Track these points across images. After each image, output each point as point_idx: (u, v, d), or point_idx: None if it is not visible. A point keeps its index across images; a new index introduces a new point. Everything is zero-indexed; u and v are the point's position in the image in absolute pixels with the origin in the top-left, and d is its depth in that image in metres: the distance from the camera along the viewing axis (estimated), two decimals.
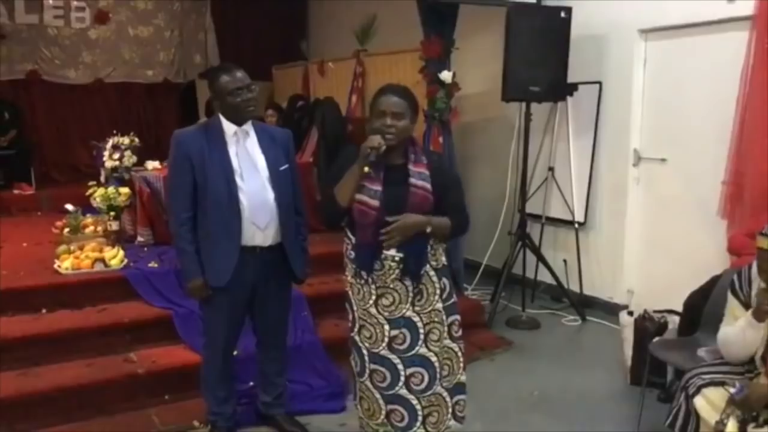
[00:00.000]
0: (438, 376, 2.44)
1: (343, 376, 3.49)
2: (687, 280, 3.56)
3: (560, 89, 4.72)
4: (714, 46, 4.15)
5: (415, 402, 2.42)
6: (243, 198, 2.74)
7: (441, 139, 4.70)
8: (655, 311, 3.70)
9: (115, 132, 5.37)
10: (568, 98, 4.92)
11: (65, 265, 4.04)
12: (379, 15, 6.39)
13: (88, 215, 4.81)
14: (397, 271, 2.37)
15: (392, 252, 2.35)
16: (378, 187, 2.34)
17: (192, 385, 3.19)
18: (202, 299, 2.85)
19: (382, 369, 2.42)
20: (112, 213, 4.65)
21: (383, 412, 2.46)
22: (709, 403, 2.44)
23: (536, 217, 5.23)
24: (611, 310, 4.75)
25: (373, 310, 2.42)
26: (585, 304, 4.96)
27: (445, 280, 2.49)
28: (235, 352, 3.14)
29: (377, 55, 6.19)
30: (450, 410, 2.51)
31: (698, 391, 2.47)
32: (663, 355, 3.14)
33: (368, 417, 2.53)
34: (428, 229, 2.34)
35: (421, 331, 2.41)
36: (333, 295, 3.60)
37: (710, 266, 3.66)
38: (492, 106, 5.21)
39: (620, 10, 4.64)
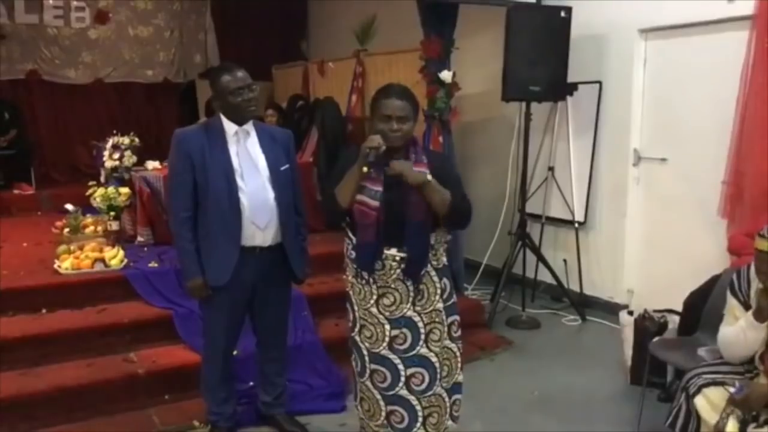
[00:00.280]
0: (438, 376, 2.44)
1: (343, 376, 3.49)
2: (687, 280, 3.56)
3: (560, 89, 4.72)
4: (714, 46, 4.15)
5: (415, 403, 2.42)
6: (243, 198, 2.74)
7: (441, 139, 4.70)
8: (655, 311, 3.70)
9: (115, 132, 5.37)
10: (568, 98, 4.93)
11: (65, 265, 4.04)
12: (379, 15, 6.39)
13: (88, 215, 4.81)
14: (398, 270, 2.37)
15: (393, 251, 2.35)
16: (378, 188, 2.34)
17: (192, 385, 3.19)
18: (202, 299, 2.86)
19: (383, 369, 2.42)
20: (112, 213, 4.65)
21: (383, 413, 2.46)
22: (710, 403, 2.44)
23: (536, 217, 5.23)
24: (611, 309, 4.75)
25: (374, 310, 2.42)
26: (585, 304, 4.96)
27: (445, 280, 2.49)
28: (235, 352, 3.14)
29: (377, 55, 6.18)
30: (448, 410, 2.51)
31: (699, 391, 2.47)
32: (663, 355, 3.15)
33: (369, 418, 2.53)
34: (429, 177, 2.30)
35: (422, 331, 2.41)
36: (333, 295, 3.60)
37: (710, 266, 3.66)
38: (492, 106, 5.21)
39: (620, 10, 4.64)
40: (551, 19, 4.59)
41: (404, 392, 2.42)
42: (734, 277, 2.59)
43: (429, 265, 2.42)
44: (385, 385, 2.43)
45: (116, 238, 4.57)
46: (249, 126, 2.83)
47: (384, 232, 2.34)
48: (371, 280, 2.41)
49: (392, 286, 2.39)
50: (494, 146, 5.58)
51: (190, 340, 3.54)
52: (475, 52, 5.32)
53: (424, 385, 2.42)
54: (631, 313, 3.80)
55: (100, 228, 4.63)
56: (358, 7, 6.82)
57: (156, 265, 4.18)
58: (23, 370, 3.33)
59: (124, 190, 4.74)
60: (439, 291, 2.45)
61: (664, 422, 2.63)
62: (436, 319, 2.44)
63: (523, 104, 4.81)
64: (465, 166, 5.62)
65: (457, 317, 2.54)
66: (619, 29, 4.68)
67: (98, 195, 4.66)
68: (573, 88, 4.82)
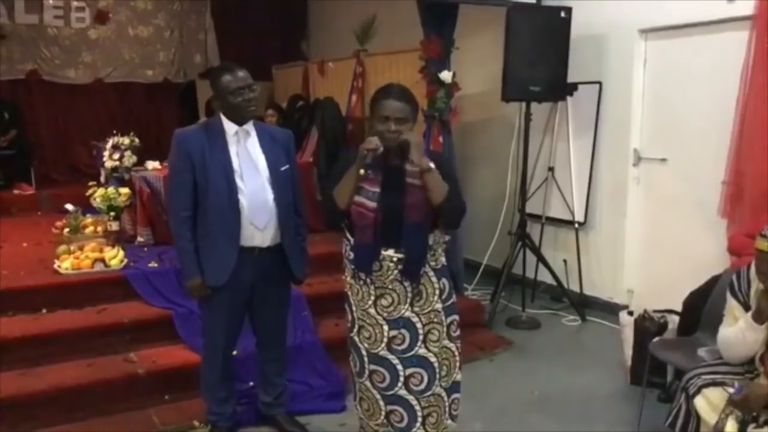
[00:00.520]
0: (437, 376, 2.44)
1: (343, 376, 3.49)
2: (687, 280, 3.56)
3: (560, 89, 4.72)
4: (714, 46, 4.15)
5: (414, 403, 2.42)
6: (242, 198, 2.74)
7: (441, 139, 4.70)
8: (655, 311, 3.70)
9: (115, 132, 5.37)
10: (568, 98, 4.92)
11: (65, 265, 4.04)
12: (379, 15, 6.39)
13: (88, 215, 4.81)
14: (395, 271, 2.37)
15: (391, 252, 2.35)
16: (376, 189, 2.34)
17: (192, 385, 3.19)
18: (201, 298, 2.86)
19: (381, 369, 2.42)
20: (112, 213, 4.65)
21: (383, 413, 2.46)
22: (709, 403, 2.44)
23: (536, 217, 5.23)
24: (611, 310, 4.75)
25: (372, 311, 2.42)
26: (585, 304, 4.95)
27: (444, 280, 2.48)
28: (235, 352, 3.14)
29: (377, 55, 6.18)
30: (447, 410, 2.51)
31: (698, 391, 2.47)
32: (663, 355, 3.15)
33: (368, 417, 2.53)
34: (431, 164, 2.31)
35: (420, 331, 2.41)
36: (333, 295, 3.60)
37: (710, 266, 3.66)
38: (492, 106, 5.21)
39: (620, 10, 4.64)
40: (551, 19, 4.59)
41: (403, 392, 2.42)
42: (734, 277, 2.59)
43: (427, 266, 2.42)
44: (384, 385, 2.43)
45: (116, 238, 4.56)
46: (249, 126, 2.83)
47: (381, 233, 2.34)
48: (369, 281, 2.41)
49: (390, 286, 2.39)
50: (494, 146, 5.58)
51: (190, 340, 3.54)
52: (475, 52, 5.31)
53: (423, 385, 2.42)
54: (631, 313, 3.80)
55: (100, 228, 4.63)
56: (358, 7, 6.82)
57: (156, 265, 4.18)
58: (23, 370, 3.33)
59: (124, 190, 4.74)
60: (437, 291, 2.45)
61: (664, 422, 2.63)
62: (435, 320, 2.44)
63: (523, 104, 4.81)
64: (465, 166, 5.62)
65: (456, 317, 2.54)
66: (619, 29, 4.68)
67: (98, 195, 4.66)
68: (573, 88, 4.82)
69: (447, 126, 4.74)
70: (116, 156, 5.08)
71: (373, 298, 2.42)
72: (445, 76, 4.59)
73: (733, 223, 3.93)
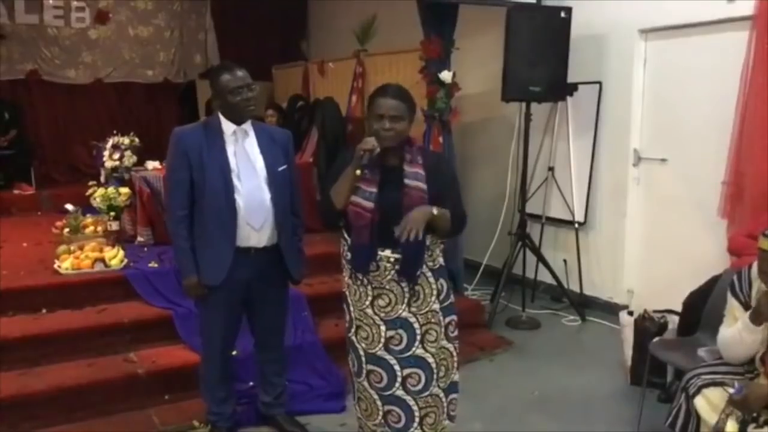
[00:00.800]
0: (435, 377, 2.44)
1: (343, 376, 3.49)
2: (687, 280, 3.56)
3: (560, 89, 4.72)
4: (714, 46, 4.15)
5: (412, 403, 2.42)
6: (239, 198, 2.73)
7: (441, 139, 4.70)
8: (655, 311, 3.70)
9: (115, 132, 5.38)
10: (568, 98, 4.92)
11: (65, 265, 4.04)
12: (379, 15, 6.39)
13: (88, 215, 4.81)
14: (392, 272, 2.36)
15: (388, 252, 2.35)
16: (373, 189, 2.34)
17: (192, 385, 3.19)
18: (198, 298, 2.85)
19: (379, 369, 2.42)
20: (112, 213, 4.66)
21: (381, 413, 2.46)
22: (709, 403, 2.44)
23: (536, 217, 5.23)
24: (611, 310, 4.75)
25: (369, 311, 2.42)
26: (585, 304, 4.95)
27: (442, 280, 2.48)
28: (234, 352, 3.14)
29: (377, 55, 6.18)
30: (445, 410, 2.51)
31: (698, 391, 2.47)
32: (663, 355, 3.14)
33: (366, 417, 2.53)
34: (435, 211, 2.30)
35: (418, 332, 2.41)
36: (333, 295, 3.59)
37: (710, 266, 3.66)
38: (492, 106, 5.21)
39: (620, 10, 4.64)
40: (551, 19, 4.59)
41: (401, 392, 2.41)
42: (735, 278, 2.59)
43: (425, 266, 2.41)
44: (381, 385, 2.43)
45: (116, 238, 4.57)
46: (248, 126, 2.82)
47: (378, 234, 2.33)
48: (366, 281, 2.41)
49: (387, 287, 2.39)
50: (494, 146, 5.58)
51: (190, 340, 3.54)
52: (475, 53, 5.32)
53: (420, 386, 2.42)
54: (631, 313, 3.80)
55: (100, 228, 4.63)
56: (358, 7, 6.82)
57: (156, 265, 4.18)
58: (23, 370, 3.33)
59: (124, 190, 4.74)
60: (435, 292, 2.44)
61: (664, 422, 2.63)
62: (433, 320, 2.43)
63: (523, 104, 4.80)
64: (465, 166, 5.62)
65: (454, 317, 2.53)
66: (619, 29, 4.68)
67: (98, 195, 4.67)
68: (573, 88, 4.82)
69: (447, 126, 4.74)
70: (116, 156, 5.09)
71: (370, 298, 2.41)
72: (445, 76, 4.59)
73: (733, 223, 3.93)
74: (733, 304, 2.56)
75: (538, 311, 4.98)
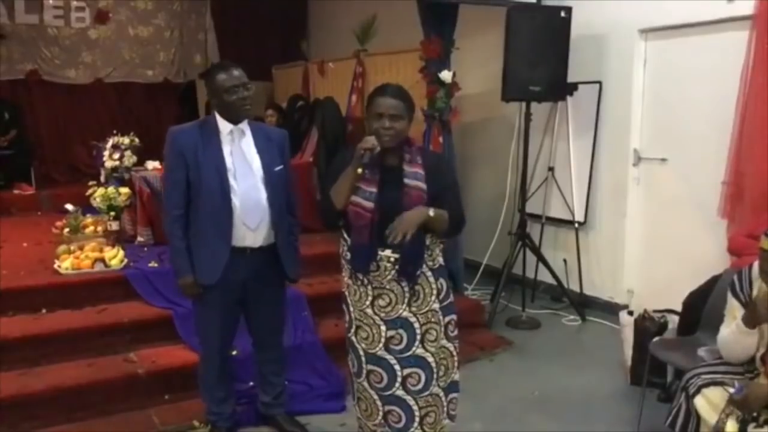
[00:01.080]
0: (435, 376, 2.44)
1: (343, 376, 3.49)
2: (687, 280, 3.56)
3: (560, 89, 4.72)
4: (714, 46, 4.15)
5: (412, 403, 2.42)
6: (235, 198, 2.72)
7: (441, 139, 4.70)
8: (655, 311, 3.70)
9: (115, 132, 5.37)
10: (568, 98, 4.93)
11: (65, 265, 4.04)
12: (379, 15, 6.39)
13: (88, 215, 4.81)
14: (392, 271, 2.36)
15: (388, 252, 2.35)
16: (373, 189, 2.34)
17: (192, 385, 3.19)
18: (194, 297, 2.85)
19: (379, 369, 2.42)
20: (112, 213, 4.66)
21: (381, 413, 2.46)
22: (709, 403, 2.44)
23: (536, 217, 5.23)
24: (611, 310, 4.75)
25: (369, 311, 2.42)
26: (585, 304, 4.96)
27: (441, 280, 2.48)
28: (234, 352, 3.14)
29: (377, 55, 6.18)
30: (445, 409, 2.51)
31: (698, 391, 2.47)
32: (663, 355, 3.14)
33: (366, 418, 2.53)
34: (431, 212, 2.30)
35: (418, 331, 2.41)
36: (333, 295, 3.59)
37: (710, 266, 3.65)
38: (492, 106, 5.21)
39: (620, 10, 4.64)
40: (551, 19, 4.59)
41: (401, 392, 2.41)
42: (735, 278, 2.59)
43: (425, 266, 2.41)
44: (381, 385, 2.43)
45: (116, 238, 4.57)
46: (244, 125, 2.81)
47: (378, 233, 2.33)
48: (366, 281, 2.41)
49: (387, 287, 2.39)
50: (494, 146, 5.58)
51: (190, 340, 3.54)
52: (475, 52, 5.32)
53: (420, 385, 2.42)
54: (631, 313, 3.80)
55: (100, 228, 4.63)
56: (358, 7, 6.82)
57: (156, 265, 4.18)
58: (23, 370, 3.33)
59: (124, 190, 4.74)
60: (435, 291, 2.44)
61: (664, 422, 2.63)
62: (433, 320, 2.44)
63: (523, 104, 4.80)
64: (465, 166, 5.62)
65: (453, 317, 2.53)
66: (619, 29, 4.68)
67: (98, 195, 4.67)
68: (573, 88, 4.82)
69: (447, 126, 4.74)
70: (116, 156, 5.08)
71: (370, 298, 2.41)
72: (445, 76, 4.59)
73: (733, 223, 3.93)
74: (733, 304, 2.55)
75: (538, 311, 4.98)
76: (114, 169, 5.07)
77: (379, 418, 2.47)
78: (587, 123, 4.96)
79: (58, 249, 4.25)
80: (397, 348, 2.40)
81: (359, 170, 2.31)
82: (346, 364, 2.63)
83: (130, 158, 5.09)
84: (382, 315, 2.41)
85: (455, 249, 4.64)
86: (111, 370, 3.40)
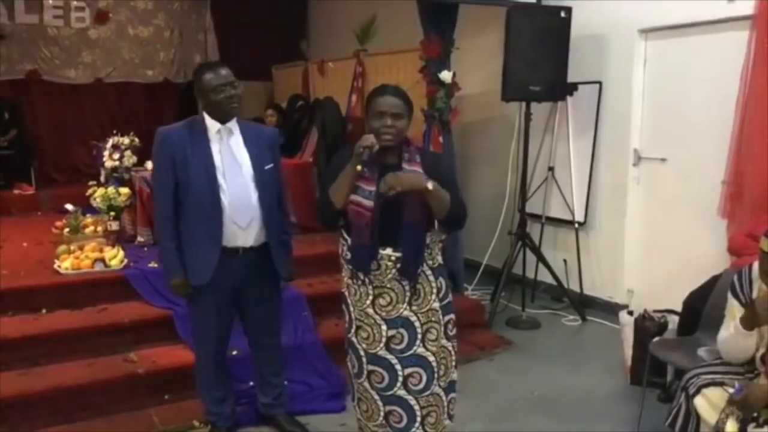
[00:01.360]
0: (436, 375, 2.44)
1: (343, 376, 3.48)
2: (687, 280, 3.56)
3: (560, 89, 4.72)
4: (714, 46, 4.15)
5: (413, 403, 2.42)
6: (224, 197, 2.71)
7: (441, 139, 4.70)
8: (655, 311, 3.70)
9: (115, 132, 5.37)
10: (568, 98, 4.93)
11: (65, 265, 4.04)
12: (379, 15, 6.39)
13: (88, 215, 4.81)
14: (393, 270, 2.36)
15: (389, 251, 2.35)
16: (372, 188, 2.34)
17: (192, 385, 3.18)
18: (187, 297, 2.84)
19: (380, 369, 2.42)
20: (112, 213, 4.66)
21: (382, 414, 2.46)
22: (709, 403, 2.44)
23: (536, 217, 5.23)
24: (611, 310, 4.75)
25: (370, 311, 2.42)
26: (585, 304, 4.96)
27: (441, 279, 2.48)
28: (234, 352, 3.13)
29: (377, 55, 6.18)
30: (446, 409, 2.52)
31: (698, 391, 2.47)
32: (663, 355, 3.15)
33: (366, 418, 2.53)
34: (429, 185, 2.28)
35: (419, 330, 2.41)
36: (333, 295, 3.59)
37: (710, 266, 3.66)
38: (492, 106, 5.21)
39: (620, 10, 4.64)
40: (551, 19, 4.59)
41: (402, 392, 2.42)
42: (735, 278, 2.59)
43: (425, 265, 2.41)
44: (382, 385, 2.43)
45: (116, 238, 4.57)
46: (232, 124, 2.80)
47: (379, 232, 2.33)
48: (367, 281, 2.40)
49: (388, 286, 2.39)
50: (494, 146, 5.58)
51: (190, 340, 3.52)
52: (475, 52, 5.32)
53: (421, 385, 2.42)
54: (631, 313, 3.80)
55: (100, 228, 4.63)
56: (358, 7, 6.82)
57: (156, 265, 4.16)
58: (23, 370, 3.33)
59: (124, 190, 4.74)
60: (435, 290, 2.44)
61: (664, 422, 2.63)
62: (433, 319, 2.44)
63: (523, 104, 4.81)
64: (465, 166, 5.62)
65: (452, 316, 2.53)
66: (619, 29, 4.68)
67: (98, 195, 4.66)
68: (573, 88, 4.82)
69: (447, 126, 4.74)
70: (116, 156, 5.08)
71: (371, 297, 2.41)
72: (445, 76, 4.59)
73: (733, 223, 3.93)
74: (733, 305, 2.55)
75: (538, 311, 4.98)
76: (114, 169, 5.07)
77: (380, 418, 2.47)
78: (587, 123, 4.96)
79: (58, 249, 4.25)
80: (398, 347, 2.40)
81: (358, 167, 2.31)
82: (346, 365, 2.63)
83: (130, 158, 5.09)
84: (383, 314, 2.41)
85: (455, 249, 4.64)
86: (111, 370, 3.40)
